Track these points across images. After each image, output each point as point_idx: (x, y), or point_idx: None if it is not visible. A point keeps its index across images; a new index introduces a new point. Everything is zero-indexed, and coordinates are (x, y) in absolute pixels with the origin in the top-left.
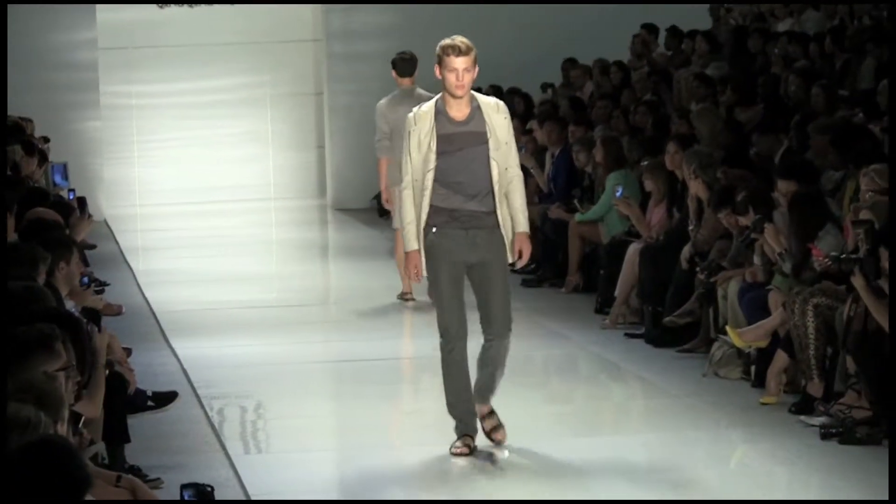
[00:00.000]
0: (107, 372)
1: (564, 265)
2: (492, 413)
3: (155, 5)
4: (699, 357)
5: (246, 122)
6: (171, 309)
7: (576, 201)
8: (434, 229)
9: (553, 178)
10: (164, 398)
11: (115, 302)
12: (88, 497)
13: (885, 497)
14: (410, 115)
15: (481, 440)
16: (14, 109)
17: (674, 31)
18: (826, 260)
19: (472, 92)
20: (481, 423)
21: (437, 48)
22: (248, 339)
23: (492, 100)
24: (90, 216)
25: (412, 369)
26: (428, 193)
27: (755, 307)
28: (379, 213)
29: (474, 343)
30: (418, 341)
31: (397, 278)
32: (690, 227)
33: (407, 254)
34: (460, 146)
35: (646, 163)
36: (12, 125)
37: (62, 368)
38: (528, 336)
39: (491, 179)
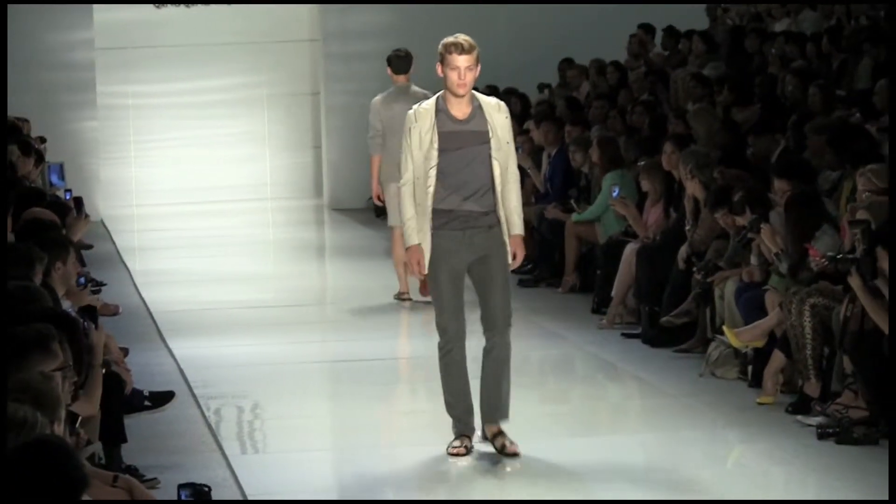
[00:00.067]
0: (104, 371)
1: (561, 265)
2: (500, 433)
3: (152, 5)
4: (696, 357)
5: (243, 122)
6: (167, 309)
7: (572, 201)
8: (433, 231)
9: (550, 178)
10: (161, 398)
11: (111, 302)
12: (85, 497)
13: (882, 497)
14: (411, 112)
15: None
16: (11, 109)
17: (670, 31)
18: (823, 260)
19: (473, 91)
20: (492, 443)
21: (440, 46)
22: (245, 339)
23: (493, 100)
24: (87, 216)
25: (409, 369)
26: (431, 191)
27: (752, 307)
28: (376, 213)
29: (474, 343)
30: (415, 341)
31: (394, 278)
32: (687, 227)
33: (408, 248)
34: (460, 145)
35: (642, 163)
36: (9, 125)
37: (59, 368)
38: (525, 336)
39: (492, 178)
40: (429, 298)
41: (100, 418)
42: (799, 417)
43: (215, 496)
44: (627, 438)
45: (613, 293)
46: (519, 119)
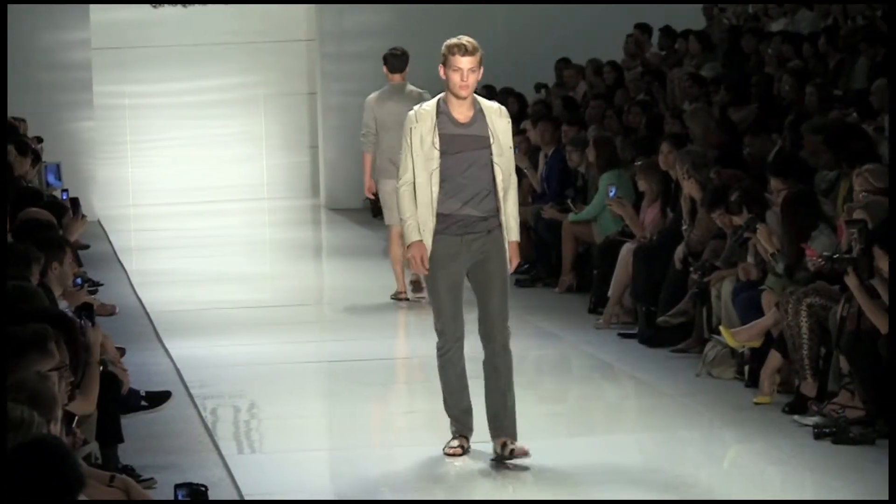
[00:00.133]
0: (101, 370)
1: (558, 265)
2: (505, 445)
3: (148, 5)
4: (693, 357)
5: (239, 122)
6: (164, 309)
7: (569, 201)
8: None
9: (546, 178)
10: (158, 398)
11: (108, 302)
12: (82, 497)
13: (879, 496)
14: (411, 112)
15: (477, 440)
16: (8, 109)
17: (667, 31)
18: (819, 260)
19: (474, 95)
20: (501, 454)
21: (443, 47)
22: (241, 338)
23: (494, 104)
24: (83, 216)
25: (406, 369)
26: (436, 193)
27: (749, 307)
28: (373, 213)
29: (474, 343)
30: (412, 341)
31: (391, 278)
32: (684, 227)
33: (410, 245)
34: (460, 148)
35: (639, 163)
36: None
37: (55, 368)
38: (522, 336)
39: (492, 183)
40: (424, 295)
41: (96, 418)
42: (795, 417)
43: (212, 496)
44: (624, 438)
45: (610, 293)
46: (516, 119)
